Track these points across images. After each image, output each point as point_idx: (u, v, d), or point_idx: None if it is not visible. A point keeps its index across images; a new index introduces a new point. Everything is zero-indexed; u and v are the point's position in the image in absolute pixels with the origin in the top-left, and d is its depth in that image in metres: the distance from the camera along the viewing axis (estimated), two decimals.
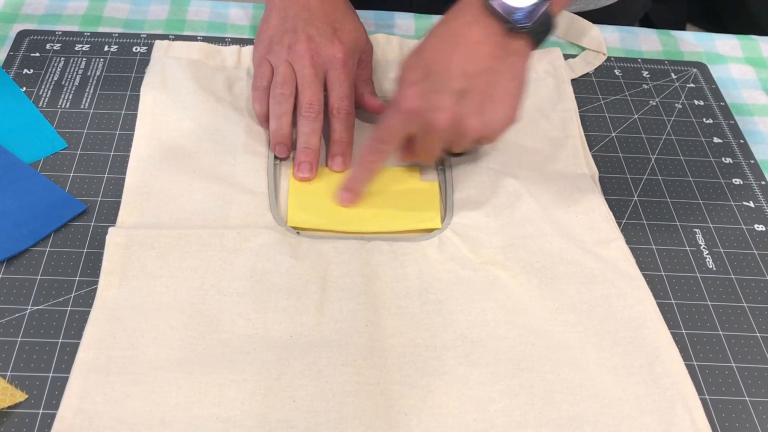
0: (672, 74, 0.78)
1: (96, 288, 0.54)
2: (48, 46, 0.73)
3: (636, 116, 0.73)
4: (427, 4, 0.86)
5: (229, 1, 0.82)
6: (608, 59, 0.79)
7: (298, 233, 0.59)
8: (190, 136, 0.64)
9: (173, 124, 0.65)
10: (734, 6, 1.56)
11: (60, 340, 0.52)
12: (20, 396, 0.49)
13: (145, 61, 0.72)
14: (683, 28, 1.40)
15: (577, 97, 0.73)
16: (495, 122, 0.59)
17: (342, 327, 0.53)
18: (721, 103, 0.75)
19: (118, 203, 0.60)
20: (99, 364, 0.50)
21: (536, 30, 0.57)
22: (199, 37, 0.75)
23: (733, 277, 0.60)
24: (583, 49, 0.79)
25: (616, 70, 0.78)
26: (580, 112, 0.72)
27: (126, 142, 0.65)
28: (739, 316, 0.58)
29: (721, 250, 0.62)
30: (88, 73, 0.71)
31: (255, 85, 0.66)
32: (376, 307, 0.54)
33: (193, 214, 0.59)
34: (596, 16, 0.81)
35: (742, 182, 0.68)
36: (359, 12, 0.72)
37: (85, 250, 0.57)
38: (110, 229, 0.57)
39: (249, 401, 0.49)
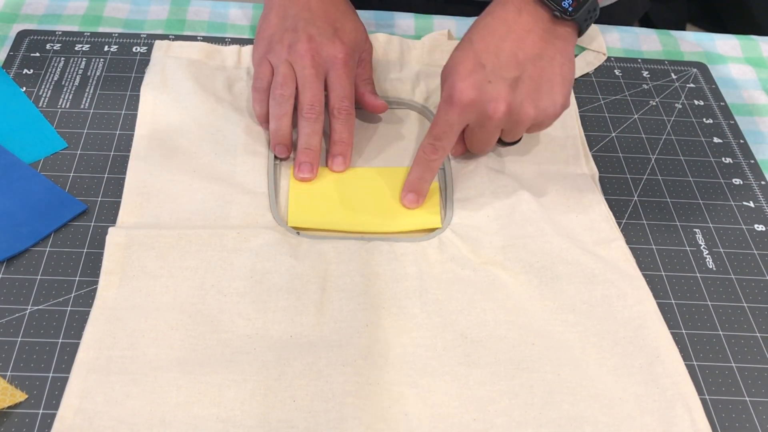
0: (672, 74, 0.78)
1: (96, 288, 0.54)
2: (48, 46, 0.73)
3: (636, 116, 0.73)
4: (425, 4, 0.86)
5: (229, 1, 0.82)
6: (608, 59, 0.79)
7: (298, 233, 0.59)
8: (190, 136, 0.64)
9: (173, 125, 0.65)
10: (734, 6, 1.56)
11: (60, 340, 0.52)
12: (20, 396, 0.49)
13: (145, 61, 0.72)
14: (683, 28, 1.39)
15: (577, 97, 0.73)
16: (550, 108, 0.59)
17: (342, 327, 0.53)
18: (721, 103, 0.75)
19: (118, 203, 0.60)
20: (99, 364, 0.50)
21: (582, 16, 0.58)
22: (199, 37, 0.75)
23: (733, 277, 0.60)
24: (583, 49, 0.79)
25: (616, 70, 0.78)
26: (580, 112, 0.72)
27: (126, 142, 0.65)
28: (739, 316, 0.58)
29: (721, 250, 0.62)
30: (88, 73, 0.71)
31: (255, 86, 0.66)
32: (376, 307, 0.54)
33: (193, 214, 0.59)
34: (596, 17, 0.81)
35: (742, 182, 0.68)
36: (359, 12, 0.72)
37: (85, 250, 0.57)
38: (110, 229, 0.57)
39: (249, 401, 0.49)
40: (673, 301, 0.58)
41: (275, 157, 0.64)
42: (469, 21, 0.67)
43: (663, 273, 0.60)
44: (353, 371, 0.50)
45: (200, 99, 0.67)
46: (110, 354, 0.50)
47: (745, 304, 0.59)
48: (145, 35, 0.75)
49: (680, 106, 0.75)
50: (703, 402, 0.52)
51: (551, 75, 0.59)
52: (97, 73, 0.71)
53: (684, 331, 0.57)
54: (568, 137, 0.69)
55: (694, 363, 0.55)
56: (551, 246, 0.58)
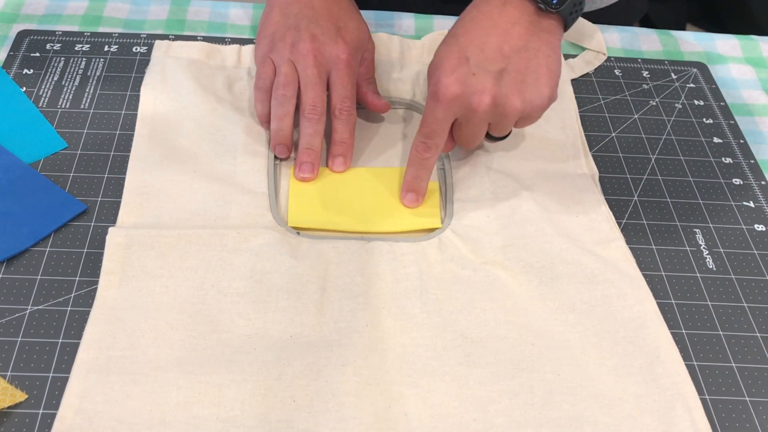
0: (672, 74, 0.78)
1: (96, 288, 0.54)
2: (48, 46, 0.73)
3: (636, 116, 0.73)
4: (425, 3, 0.86)
5: (229, 1, 0.82)
6: (608, 59, 0.79)
7: (298, 233, 0.59)
8: (190, 136, 0.64)
9: (173, 124, 0.65)
10: (734, 6, 1.56)
11: (60, 340, 0.52)
12: (20, 396, 0.49)
13: (145, 61, 0.72)
14: (683, 28, 1.39)
15: (577, 97, 0.73)
16: (536, 99, 0.58)
17: (342, 327, 0.53)
18: (721, 103, 0.75)
19: (118, 203, 0.60)
20: (99, 364, 0.50)
21: (567, 9, 0.58)
22: (199, 37, 0.75)
23: (733, 277, 0.60)
24: (583, 49, 0.79)
25: (616, 70, 0.78)
26: (580, 112, 0.72)
27: (126, 142, 0.65)
28: (739, 316, 0.58)
29: (721, 250, 0.62)
30: (88, 73, 0.71)
31: (257, 85, 0.66)
32: (376, 307, 0.54)
33: (193, 214, 0.59)
34: (596, 17, 0.81)
35: (742, 182, 0.68)
36: None
37: (85, 250, 0.57)
38: (110, 229, 0.57)
39: (249, 401, 0.49)
40: (673, 301, 0.58)
41: (275, 157, 0.64)
42: None
43: (663, 273, 0.60)
44: (353, 371, 0.50)
45: (200, 99, 0.67)
46: (110, 354, 0.50)
47: (745, 304, 0.59)
48: (145, 35, 0.75)
49: (680, 106, 0.75)
50: (703, 402, 0.52)
51: (537, 66, 0.58)
52: (97, 73, 0.71)
53: (684, 331, 0.57)
54: (568, 137, 0.69)
55: (694, 363, 0.55)
56: (551, 246, 0.58)
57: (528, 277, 0.57)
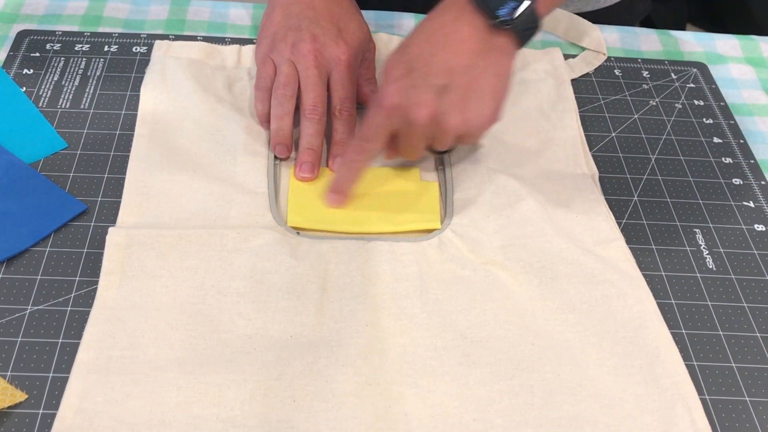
0: (672, 74, 0.78)
1: (96, 288, 0.54)
2: (48, 46, 0.73)
3: (636, 116, 0.73)
4: (425, 3, 0.86)
5: (229, 1, 0.82)
6: (608, 59, 0.79)
7: (298, 233, 0.59)
8: (190, 136, 0.64)
9: (173, 124, 0.65)
10: (734, 6, 1.56)
11: (60, 340, 0.52)
12: (20, 396, 0.49)
13: (145, 61, 0.72)
14: (683, 28, 1.39)
15: (577, 97, 0.73)
16: (476, 119, 0.58)
17: (342, 327, 0.53)
18: (721, 103, 0.75)
19: (118, 203, 0.60)
20: (99, 364, 0.50)
21: (520, 27, 0.57)
22: (199, 37, 0.75)
23: (733, 277, 0.60)
24: (583, 49, 0.79)
25: (616, 70, 0.78)
26: (580, 112, 0.72)
27: (126, 142, 0.65)
28: (739, 316, 0.58)
29: (721, 250, 0.62)
30: (88, 73, 0.71)
31: (258, 85, 0.66)
32: (376, 307, 0.54)
33: (193, 214, 0.59)
34: (596, 17, 0.81)
35: (742, 182, 0.68)
36: None
37: (85, 250, 0.57)
38: (110, 229, 0.57)
39: (249, 401, 0.49)
40: (673, 301, 0.58)
41: (275, 157, 0.64)
42: None
43: (663, 273, 0.60)
44: (353, 371, 0.50)
45: (200, 99, 0.67)
46: (110, 354, 0.50)
47: (745, 304, 0.59)
48: (145, 35, 0.75)
49: (680, 106, 0.75)
50: (703, 402, 0.52)
51: (482, 86, 0.57)
52: (97, 73, 0.71)
53: (684, 331, 0.57)
54: (568, 137, 0.69)
55: (694, 363, 0.55)
56: (551, 246, 0.58)
57: (528, 277, 0.57)
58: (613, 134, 0.71)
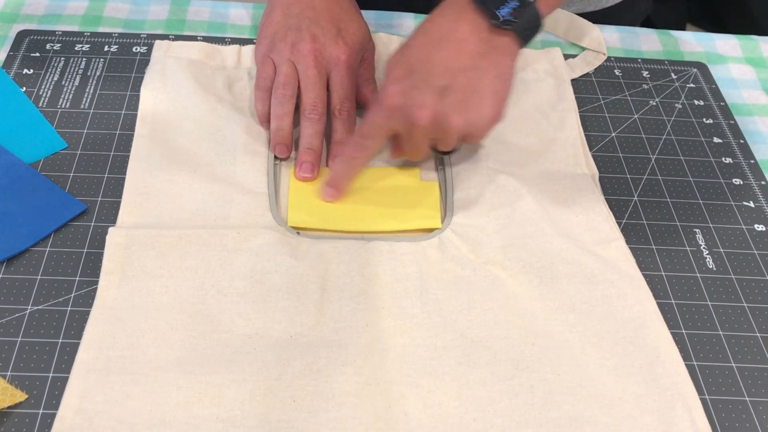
0: (672, 74, 0.78)
1: (96, 288, 0.54)
2: (48, 46, 0.73)
3: (636, 116, 0.73)
4: (425, 3, 0.86)
5: (229, 1, 0.82)
6: (608, 59, 0.79)
7: (298, 233, 0.59)
8: (190, 136, 0.64)
9: (173, 124, 0.65)
10: (734, 6, 1.56)
11: (60, 340, 0.52)
12: (20, 396, 0.49)
13: (145, 61, 0.72)
14: (683, 28, 1.39)
15: (577, 97, 0.73)
16: (478, 120, 0.58)
17: (342, 327, 0.53)
18: (721, 103, 0.75)
19: (118, 203, 0.60)
20: (99, 364, 0.50)
21: (522, 27, 0.57)
22: (199, 37, 0.75)
23: (733, 277, 0.60)
24: (583, 49, 0.79)
25: (616, 70, 0.78)
26: (580, 112, 0.72)
27: (126, 142, 0.65)
28: (739, 316, 0.58)
29: (721, 250, 0.62)
30: (88, 73, 0.71)
31: (257, 85, 0.66)
32: (376, 307, 0.54)
33: (193, 214, 0.59)
34: (597, 17, 0.81)
35: (742, 182, 0.68)
36: None
37: (85, 250, 0.57)
38: (110, 229, 0.57)
39: (249, 401, 0.49)
40: (673, 301, 0.58)
41: (275, 157, 0.64)
42: None
43: (663, 273, 0.60)
44: (353, 371, 0.50)
45: (200, 99, 0.67)
46: (110, 354, 0.50)
47: (745, 304, 0.59)
48: (145, 35, 0.75)
49: (680, 106, 0.75)
50: (703, 402, 0.52)
51: (482, 87, 0.57)
52: (97, 73, 0.71)
53: (684, 331, 0.57)
54: (568, 137, 0.69)
55: (694, 363, 0.55)
56: (551, 246, 0.58)
57: (528, 277, 0.57)
58: (613, 134, 0.71)
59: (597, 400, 0.51)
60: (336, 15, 0.68)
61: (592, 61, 0.78)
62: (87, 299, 0.54)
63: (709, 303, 0.58)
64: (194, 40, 0.74)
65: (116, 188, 0.61)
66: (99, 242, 0.57)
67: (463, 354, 0.52)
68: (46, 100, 0.68)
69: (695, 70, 0.79)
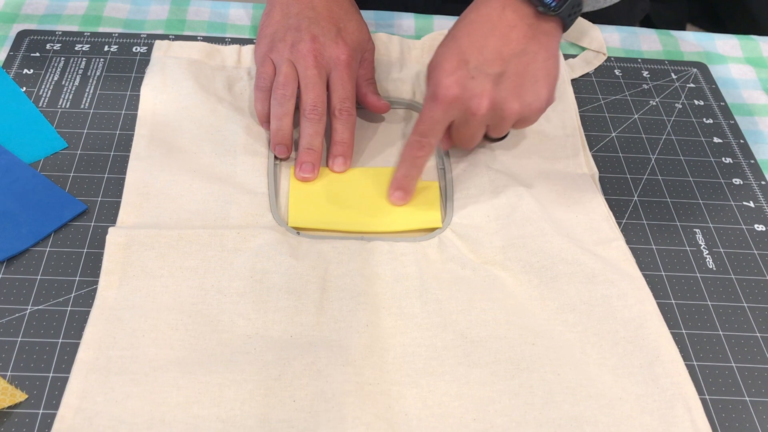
0: (672, 74, 0.78)
1: (96, 288, 0.54)
2: (48, 46, 0.73)
3: (636, 116, 0.73)
4: (424, 3, 0.86)
5: (229, 1, 0.82)
6: (608, 59, 0.79)
7: (298, 233, 0.59)
8: (190, 136, 0.64)
9: (173, 124, 0.65)
10: (734, 6, 1.56)
11: (60, 340, 0.52)
12: (20, 396, 0.49)
13: (145, 61, 0.72)
14: (683, 28, 1.39)
15: (577, 97, 0.73)
16: (534, 103, 0.59)
17: (342, 327, 0.53)
18: (721, 103, 0.75)
19: (118, 203, 0.60)
20: (99, 364, 0.50)
21: (567, 12, 0.58)
22: (199, 37, 0.75)
23: (733, 277, 0.60)
24: (583, 49, 0.79)
25: (616, 70, 0.78)
26: (580, 112, 0.72)
27: (126, 142, 0.65)
28: (739, 316, 0.58)
29: (721, 250, 0.62)
30: (88, 73, 0.71)
31: (257, 85, 0.66)
32: (376, 307, 0.54)
33: (193, 214, 0.59)
34: (596, 17, 0.81)
35: (742, 182, 0.68)
36: None
37: (85, 250, 0.57)
38: (110, 229, 0.57)
39: (249, 401, 0.49)
40: (673, 301, 0.58)
41: (275, 157, 0.64)
42: None
43: (663, 273, 0.60)
44: (353, 371, 0.50)
45: (200, 99, 0.67)
46: (110, 354, 0.50)
47: (745, 304, 0.59)
48: (145, 35, 0.75)
49: (680, 106, 0.75)
50: (703, 402, 0.52)
51: (535, 70, 0.59)
52: (97, 73, 0.71)
53: (684, 331, 0.57)
54: (568, 137, 0.69)
55: (694, 363, 0.55)
56: (551, 246, 0.58)
57: (528, 277, 0.57)
58: (613, 134, 0.71)
59: (597, 400, 0.51)
60: (336, 15, 0.68)
61: (592, 61, 0.78)
62: (87, 299, 0.54)
63: (709, 303, 0.58)
64: (194, 40, 0.74)
65: (116, 188, 0.61)
66: (99, 242, 0.57)
67: (463, 354, 0.52)
68: (46, 100, 0.68)
69: (695, 70, 0.79)
